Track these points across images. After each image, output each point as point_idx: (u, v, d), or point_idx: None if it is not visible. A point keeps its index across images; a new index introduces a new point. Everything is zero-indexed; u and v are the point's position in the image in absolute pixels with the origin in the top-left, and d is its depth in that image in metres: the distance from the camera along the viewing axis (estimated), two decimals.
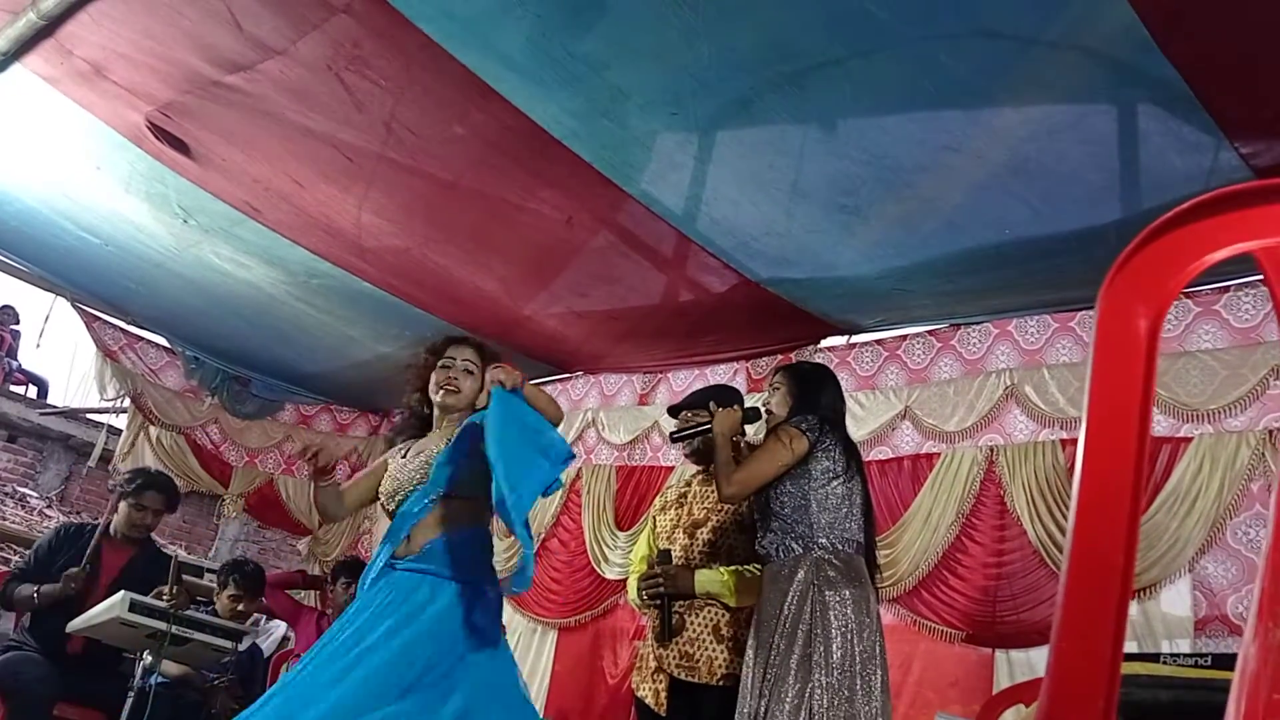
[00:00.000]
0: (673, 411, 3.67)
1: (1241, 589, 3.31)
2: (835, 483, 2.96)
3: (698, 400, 3.56)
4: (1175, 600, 3.41)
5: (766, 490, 3.01)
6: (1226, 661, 2.13)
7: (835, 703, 2.65)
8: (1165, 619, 3.39)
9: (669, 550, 3.38)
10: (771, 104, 3.07)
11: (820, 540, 2.89)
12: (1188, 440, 3.54)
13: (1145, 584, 3.43)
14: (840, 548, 2.89)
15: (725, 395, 3.59)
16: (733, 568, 3.27)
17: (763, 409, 3.23)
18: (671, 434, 3.46)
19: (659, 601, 3.30)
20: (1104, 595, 0.84)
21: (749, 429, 3.28)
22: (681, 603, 3.29)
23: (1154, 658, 2.45)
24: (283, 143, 3.88)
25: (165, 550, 4.87)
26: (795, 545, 2.91)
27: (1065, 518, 3.70)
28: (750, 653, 2.92)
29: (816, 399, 3.17)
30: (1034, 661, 3.58)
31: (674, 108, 3.20)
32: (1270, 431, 3.38)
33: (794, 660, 2.73)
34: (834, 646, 2.72)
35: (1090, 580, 0.85)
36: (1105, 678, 0.86)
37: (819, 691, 2.66)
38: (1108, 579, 0.84)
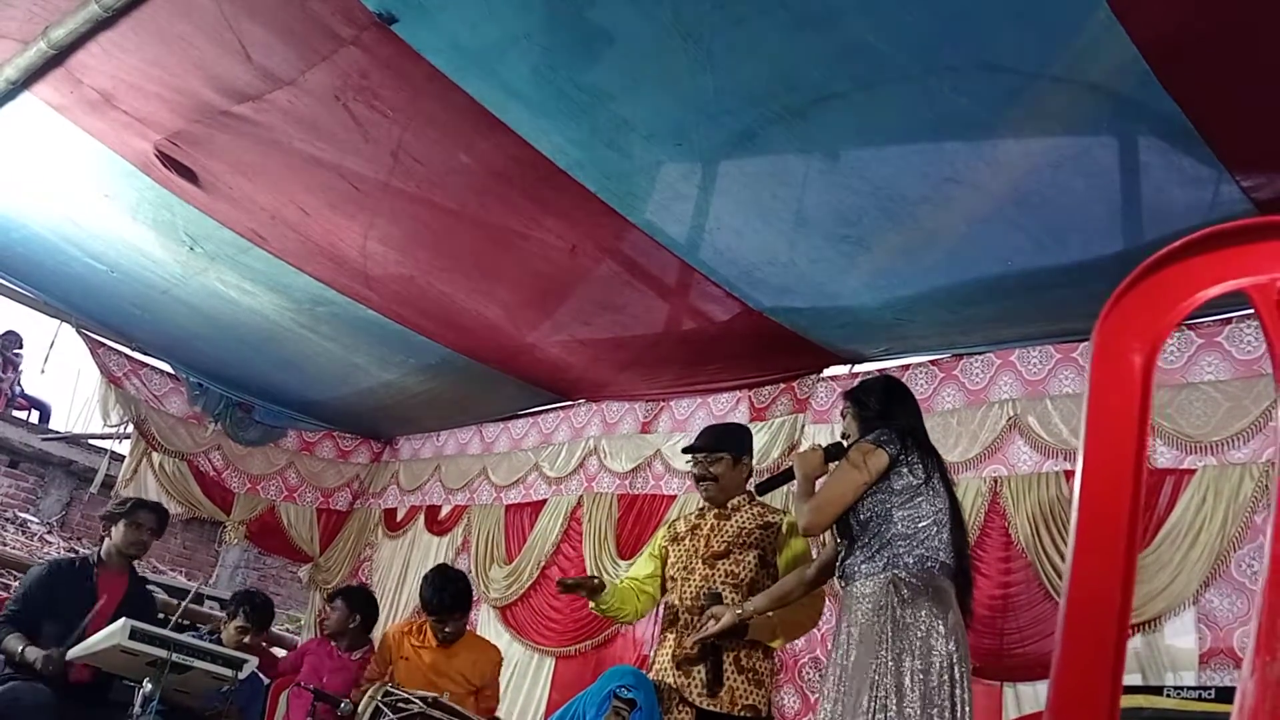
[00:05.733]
0: (687, 450, 3.78)
1: (1247, 622, 3.28)
2: (919, 499, 2.84)
3: (709, 445, 3.65)
4: (1180, 633, 3.38)
5: (845, 512, 2.92)
6: (1230, 695, 2.12)
7: None
8: (1170, 651, 3.36)
9: (719, 592, 3.40)
10: (775, 135, 3.10)
11: (902, 559, 2.77)
12: (1191, 472, 3.53)
13: (1149, 616, 3.41)
14: (921, 566, 2.77)
15: (735, 439, 3.67)
16: (773, 609, 3.31)
17: (844, 442, 3.13)
18: (757, 486, 3.48)
19: (711, 648, 3.32)
20: (1102, 631, 0.84)
21: (832, 466, 3.13)
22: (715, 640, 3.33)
23: (1157, 690, 2.43)
24: (290, 172, 3.91)
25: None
26: (873, 565, 2.80)
27: None
28: (827, 673, 2.86)
29: (887, 410, 3.07)
30: (1041, 695, 3.55)
31: (678, 139, 3.23)
32: (1273, 463, 3.37)
33: (866, 683, 2.64)
34: (904, 668, 2.61)
35: (1089, 616, 0.85)
36: (1105, 712, 0.86)
37: (890, 716, 2.56)
38: (1106, 615, 0.84)
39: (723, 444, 3.67)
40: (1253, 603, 3.25)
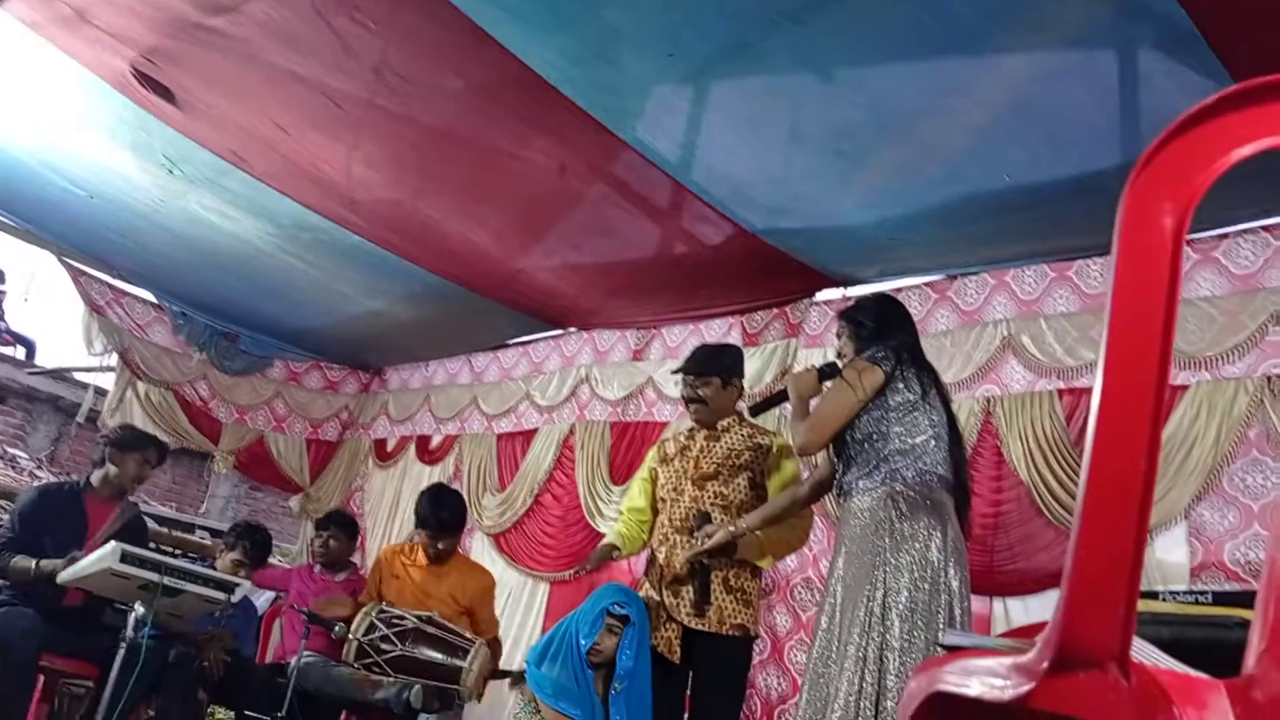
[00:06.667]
0: (677, 370, 3.77)
1: (1239, 535, 3.29)
2: (915, 414, 2.82)
3: (698, 368, 3.64)
4: (1171, 547, 3.39)
5: (841, 430, 2.89)
6: (1228, 598, 2.14)
7: (905, 640, 2.54)
8: (1161, 565, 3.38)
9: (709, 513, 3.40)
10: (770, 45, 3.01)
11: (900, 474, 2.75)
12: (1184, 388, 3.52)
13: None
14: (920, 480, 2.75)
15: (725, 361, 3.64)
16: (765, 528, 3.32)
17: (839, 362, 3.10)
18: (751, 408, 3.46)
19: (700, 567, 3.34)
20: (1127, 491, 0.81)
21: (826, 386, 3.10)
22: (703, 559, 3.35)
23: (1154, 595, 2.45)
24: (269, 89, 3.81)
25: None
26: (870, 480, 2.79)
27: (1062, 467, 3.69)
28: (826, 588, 2.85)
29: (882, 329, 3.03)
30: (1030, 609, 3.58)
31: (670, 48, 3.13)
32: (1269, 378, 3.36)
33: (864, 596, 2.63)
34: (902, 581, 2.60)
35: (1112, 478, 0.82)
36: (1126, 583, 0.83)
37: (889, 628, 2.56)
38: (1130, 477, 0.81)
39: (711, 367, 3.65)
40: (1246, 517, 3.28)
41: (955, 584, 2.63)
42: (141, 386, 6.23)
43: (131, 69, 3.87)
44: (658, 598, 3.44)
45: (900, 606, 2.58)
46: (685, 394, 3.68)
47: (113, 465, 4.19)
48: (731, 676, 3.41)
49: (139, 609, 3.46)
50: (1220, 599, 2.14)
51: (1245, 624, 0.82)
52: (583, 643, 3.31)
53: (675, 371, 3.80)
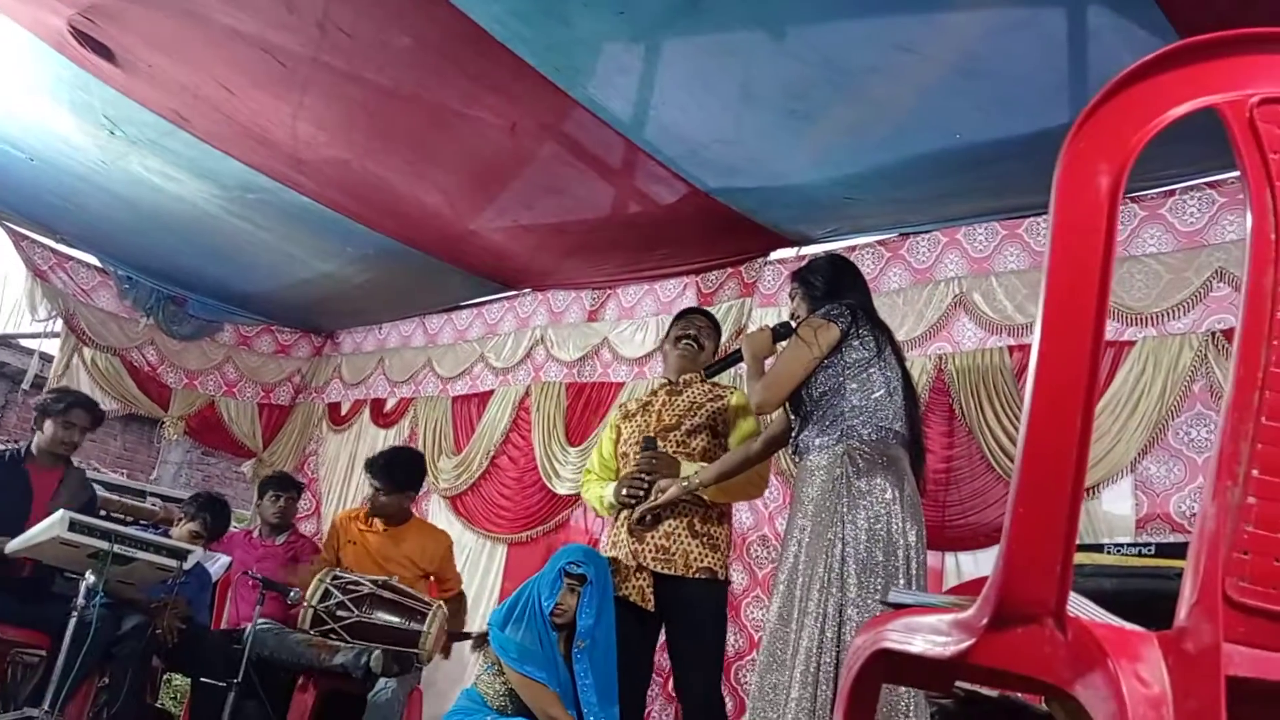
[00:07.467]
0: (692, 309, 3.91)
1: (1184, 488, 3.37)
2: (871, 370, 2.82)
3: (712, 319, 3.81)
4: (1117, 500, 3.47)
5: (797, 388, 2.89)
6: (1170, 550, 2.18)
7: (864, 596, 2.55)
8: (1107, 518, 3.45)
9: (654, 438, 3.43)
10: (721, 1, 2.98)
11: (857, 431, 2.75)
12: (1131, 344, 3.58)
13: (1087, 484, 3.48)
14: (875, 437, 2.75)
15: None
16: (724, 480, 3.34)
17: (792, 323, 3.10)
18: (706, 369, 3.47)
19: (645, 482, 3.37)
20: (1063, 448, 0.82)
21: (780, 346, 3.10)
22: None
23: (1098, 548, 2.49)
24: (210, 46, 3.71)
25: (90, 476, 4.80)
26: (826, 437, 2.79)
27: (1012, 423, 3.74)
28: (783, 546, 2.85)
29: (835, 288, 3.05)
30: (981, 563, 3.65)
31: (621, 5, 3.09)
32: (1213, 333, 3.42)
33: (822, 552, 2.64)
34: (860, 538, 2.61)
35: (1049, 436, 0.83)
36: (1062, 539, 0.84)
37: (847, 584, 2.57)
38: (1067, 434, 0.82)
39: (718, 327, 3.83)
40: (1191, 470, 3.35)
41: (912, 539, 2.65)
42: (88, 352, 6.10)
43: (70, 27, 3.75)
44: (627, 550, 3.45)
45: (858, 563, 2.60)
46: (688, 332, 3.67)
47: (45, 431, 4.14)
48: (704, 619, 3.41)
49: (90, 577, 3.43)
50: (1163, 550, 2.18)
51: None
52: (545, 604, 3.32)
53: (690, 310, 3.87)
